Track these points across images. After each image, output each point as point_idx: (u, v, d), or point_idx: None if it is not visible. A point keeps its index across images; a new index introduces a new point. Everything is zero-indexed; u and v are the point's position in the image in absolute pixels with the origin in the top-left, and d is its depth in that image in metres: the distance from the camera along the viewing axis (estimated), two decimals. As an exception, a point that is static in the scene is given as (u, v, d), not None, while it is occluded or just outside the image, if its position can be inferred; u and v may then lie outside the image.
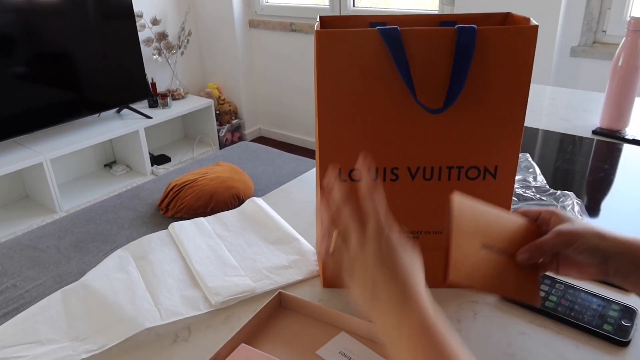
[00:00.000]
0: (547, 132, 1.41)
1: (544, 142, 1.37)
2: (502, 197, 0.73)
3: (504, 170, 0.71)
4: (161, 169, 3.04)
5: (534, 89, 1.77)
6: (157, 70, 3.26)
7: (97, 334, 0.71)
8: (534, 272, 0.60)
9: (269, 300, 0.73)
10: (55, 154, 2.56)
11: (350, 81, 0.65)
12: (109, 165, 3.09)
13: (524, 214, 0.62)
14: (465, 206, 0.58)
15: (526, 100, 0.66)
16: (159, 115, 3.00)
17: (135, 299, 0.76)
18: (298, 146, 3.52)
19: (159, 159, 3.15)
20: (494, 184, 0.72)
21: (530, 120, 1.48)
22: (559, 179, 1.17)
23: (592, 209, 1.04)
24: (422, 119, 0.67)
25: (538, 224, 0.61)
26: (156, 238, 0.92)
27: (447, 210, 0.58)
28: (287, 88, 3.44)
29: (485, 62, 0.64)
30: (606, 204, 1.06)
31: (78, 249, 1.75)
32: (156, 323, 0.72)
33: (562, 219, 0.59)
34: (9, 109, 2.44)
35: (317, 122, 0.68)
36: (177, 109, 3.12)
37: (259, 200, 1.03)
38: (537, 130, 1.43)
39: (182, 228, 0.94)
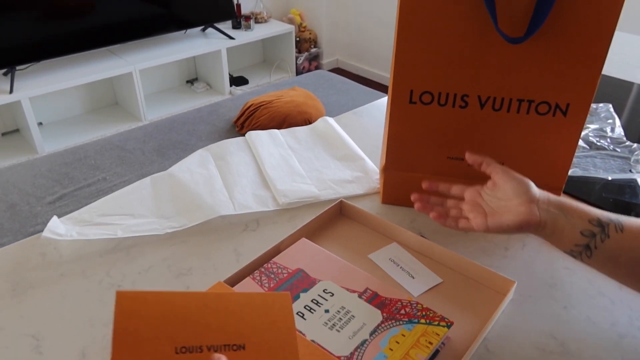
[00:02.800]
0: (638, 87, 1.34)
1: (632, 97, 1.30)
2: (570, 137, 0.73)
3: (576, 109, 0.71)
4: (239, 90, 3.15)
5: (630, 39, 1.65)
6: (243, -8, 3.29)
7: (179, 215, 0.81)
8: (295, 352, 0.43)
9: (330, 206, 0.79)
10: (144, 65, 2.71)
11: (432, 3, 0.67)
12: (191, 81, 3.23)
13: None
14: (132, 301, 0.40)
15: (611, 37, 0.65)
16: (241, 37, 3.07)
17: (213, 191, 0.85)
18: (374, 81, 3.49)
19: (237, 80, 3.25)
20: (563, 122, 0.72)
21: (621, 73, 1.40)
22: (638, 132, 1.12)
23: (669, 166, 1.00)
24: (499, 47, 0.68)
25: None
26: (234, 143, 1.01)
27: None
28: (369, 20, 3.37)
29: (573, -6, 0.63)
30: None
31: (160, 153, 1.91)
32: (229, 212, 0.81)
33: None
34: (105, 20, 2.59)
35: (396, 42, 0.71)
36: (259, 32, 3.16)
37: (330, 120, 1.08)
38: (631, 83, 1.35)
39: (258, 137, 1.01)
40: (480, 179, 0.80)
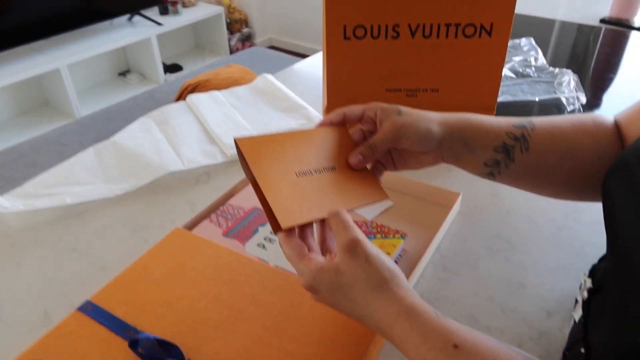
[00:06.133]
0: (556, 22, 1.42)
1: (554, 31, 1.38)
2: (496, 56, 0.78)
3: (499, 28, 0.75)
4: (174, 77, 3.08)
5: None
6: (166, -23, 3.20)
7: (128, 177, 0.80)
8: (370, 173, 0.54)
9: (279, 150, 0.81)
10: (72, 59, 2.60)
11: None
12: (123, 73, 3.13)
13: (346, 115, 0.55)
14: (254, 145, 0.49)
15: (521, -47, 0.69)
16: (170, 22, 2.99)
17: (160, 151, 0.85)
18: (309, 55, 3.50)
19: (171, 68, 3.18)
20: (489, 42, 0.76)
21: (540, 11, 1.48)
22: (563, 61, 1.20)
23: (593, 85, 1.08)
24: (421, -27, 0.71)
25: (353, 124, 0.55)
26: (175, 107, 1.00)
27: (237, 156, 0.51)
28: (298, -5, 3.37)
29: None
30: (605, 84, 1.10)
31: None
32: (178, 168, 0.80)
33: (388, 111, 0.52)
34: (23, 16, 2.46)
35: (323, -22, 0.72)
36: (187, 16, 3.10)
37: (269, 76, 1.08)
38: (549, 20, 1.43)
39: (199, 99, 1.01)
40: (417, 108, 0.83)
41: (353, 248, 0.42)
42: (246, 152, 0.48)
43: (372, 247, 0.43)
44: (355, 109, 0.55)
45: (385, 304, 0.41)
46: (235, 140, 0.48)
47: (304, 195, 0.48)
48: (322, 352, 0.49)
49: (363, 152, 0.52)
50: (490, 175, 0.55)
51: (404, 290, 0.42)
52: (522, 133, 0.53)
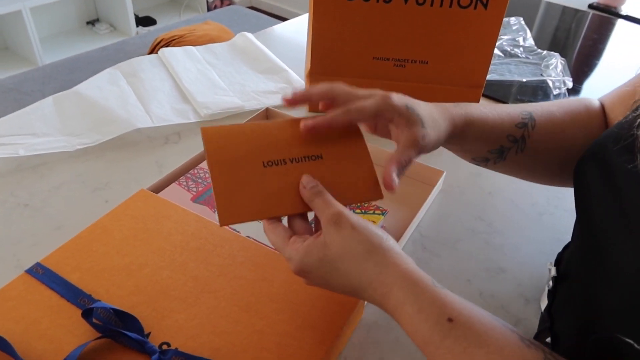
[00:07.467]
0: (545, 3, 1.39)
1: (540, 11, 1.35)
2: (490, 30, 0.74)
3: (496, 1, 0.71)
4: (146, 31, 2.93)
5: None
6: None
7: (90, 130, 0.74)
8: (369, 166, 0.47)
9: (256, 113, 0.76)
10: (35, 2, 2.44)
11: None
12: (92, 22, 2.96)
13: (311, 95, 0.46)
14: (220, 134, 0.44)
15: None
16: (144, -29, 2.83)
17: (127, 105, 0.79)
18: (289, 20, 3.39)
19: (144, 21, 3.03)
20: (484, 15, 0.73)
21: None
22: (548, 43, 1.18)
23: (576, 70, 1.06)
24: None
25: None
26: (146, 60, 0.93)
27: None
28: (281, -45, 3.23)
29: None
30: (588, 70, 1.09)
31: (63, 93, 1.75)
32: (147, 125, 0.75)
33: (410, 119, 0.45)
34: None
35: None
36: (163, -34, 2.94)
37: (249, 35, 1.02)
38: (537, 0, 1.40)
39: (172, 53, 0.94)
40: (404, 80, 0.79)
41: (338, 220, 0.40)
42: (207, 141, 0.43)
43: (357, 217, 0.41)
44: (321, 89, 0.46)
45: (378, 271, 0.38)
46: (201, 130, 0.44)
47: (264, 188, 0.43)
48: (293, 331, 0.46)
49: (400, 173, 0.44)
50: (477, 164, 0.54)
51: (397, 256, 0.39)
52: (523, 134, 0.51)
